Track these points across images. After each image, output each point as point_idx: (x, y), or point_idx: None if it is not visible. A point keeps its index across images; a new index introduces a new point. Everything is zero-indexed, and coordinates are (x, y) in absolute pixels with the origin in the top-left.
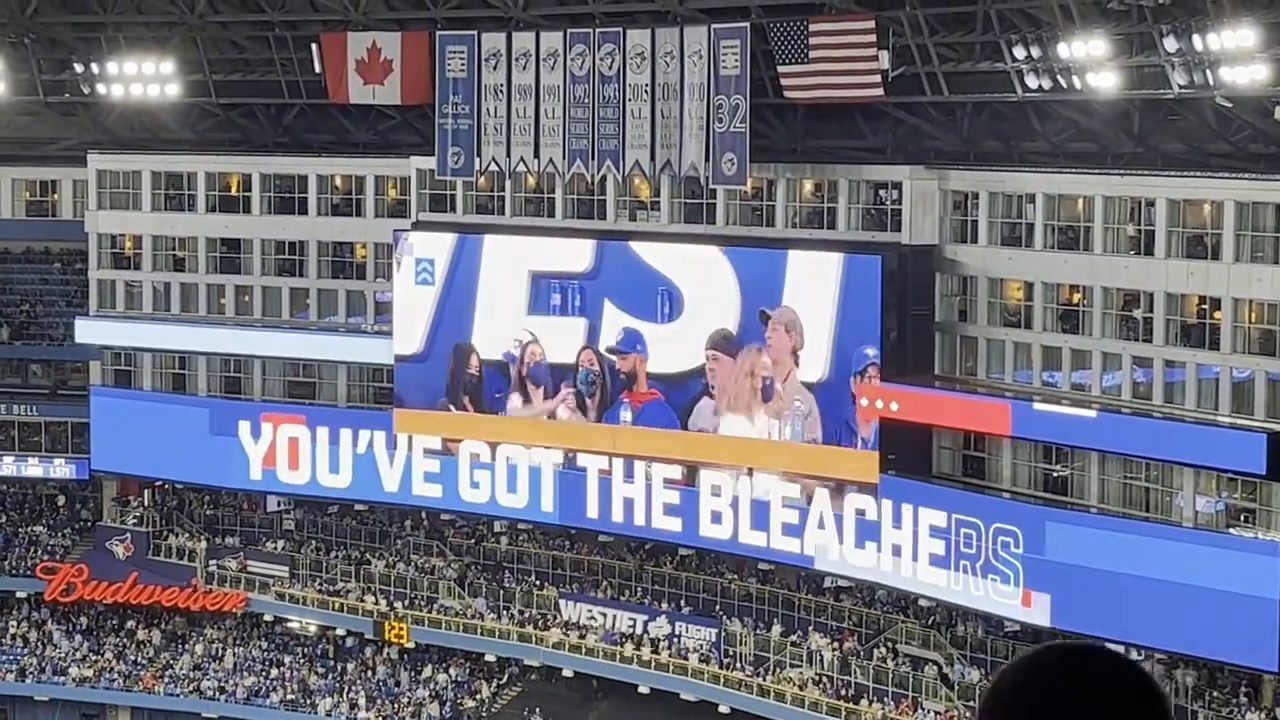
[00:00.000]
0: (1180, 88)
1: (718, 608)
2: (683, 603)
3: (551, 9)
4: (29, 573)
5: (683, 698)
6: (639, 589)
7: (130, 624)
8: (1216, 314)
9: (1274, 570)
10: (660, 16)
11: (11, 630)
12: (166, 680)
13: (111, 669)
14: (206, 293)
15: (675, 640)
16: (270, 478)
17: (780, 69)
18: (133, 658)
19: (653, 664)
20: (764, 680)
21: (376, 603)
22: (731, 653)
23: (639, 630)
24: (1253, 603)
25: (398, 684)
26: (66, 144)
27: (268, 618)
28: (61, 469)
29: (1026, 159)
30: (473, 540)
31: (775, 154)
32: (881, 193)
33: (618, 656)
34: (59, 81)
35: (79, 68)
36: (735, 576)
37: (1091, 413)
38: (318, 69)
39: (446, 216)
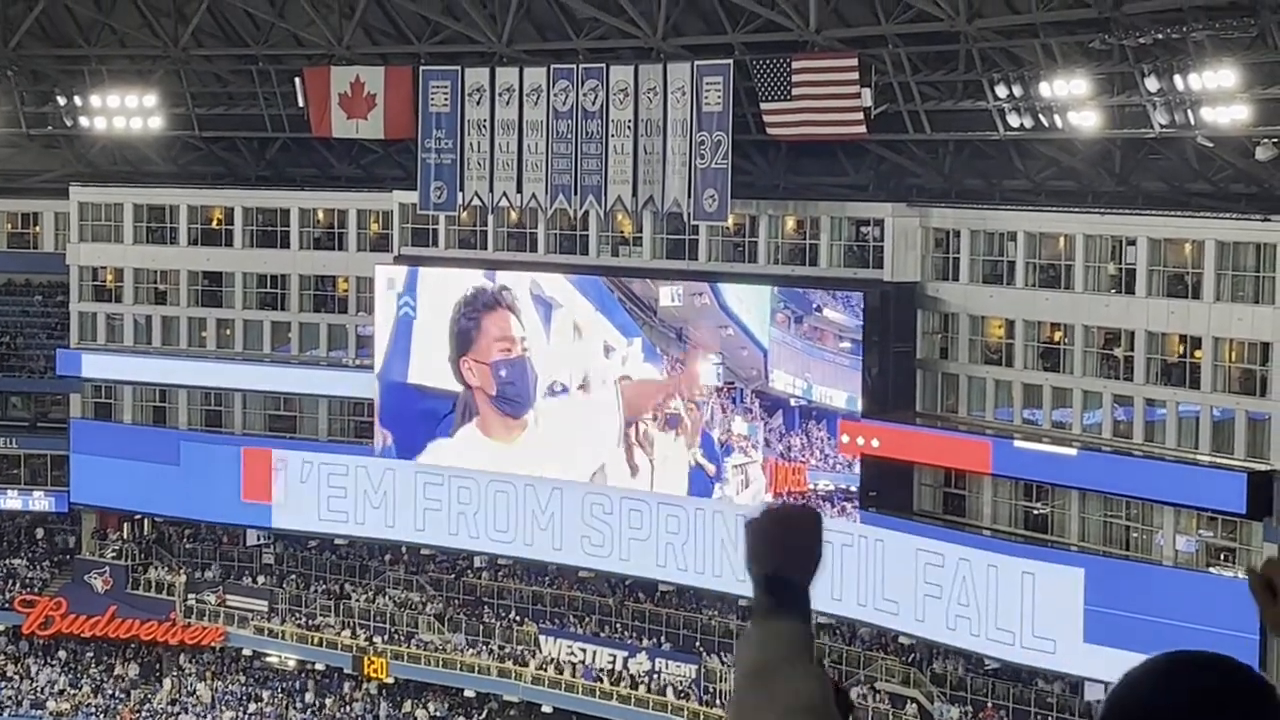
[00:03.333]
0: (1161, 127)
1: (698, 644)
2: (663, 639)
3: (535, 44)
4: (7, 605)
5: None
6: (619, 625)
7: (108, 657)
8: (1197, 353)
9: (1254, 610)
10: (644, 53)
11: None
12: (144, 714)
13: (89, 703)
14: (187, 326)
15: (655, 676)
16: (250, 511)
17: (763, 106)
18: (111, 691)
19: (632, 700)
20: None
21: (355, 637)
22: (711, 689)
23: (619, 666)
24: (1232, 641)
25: (376, 719)
26: (48, 176)
27: (246, 652)
28: (41, 501)
29: (1008, 197)
30: (452, 575)
31: (758, 190)
32: (863, 229)
33: (597, 692)
34: (42, 114)
35: (62, 100)
36: (715, 613)
37: (1072, 451)
38: (301, 103)
39: (428, 251)
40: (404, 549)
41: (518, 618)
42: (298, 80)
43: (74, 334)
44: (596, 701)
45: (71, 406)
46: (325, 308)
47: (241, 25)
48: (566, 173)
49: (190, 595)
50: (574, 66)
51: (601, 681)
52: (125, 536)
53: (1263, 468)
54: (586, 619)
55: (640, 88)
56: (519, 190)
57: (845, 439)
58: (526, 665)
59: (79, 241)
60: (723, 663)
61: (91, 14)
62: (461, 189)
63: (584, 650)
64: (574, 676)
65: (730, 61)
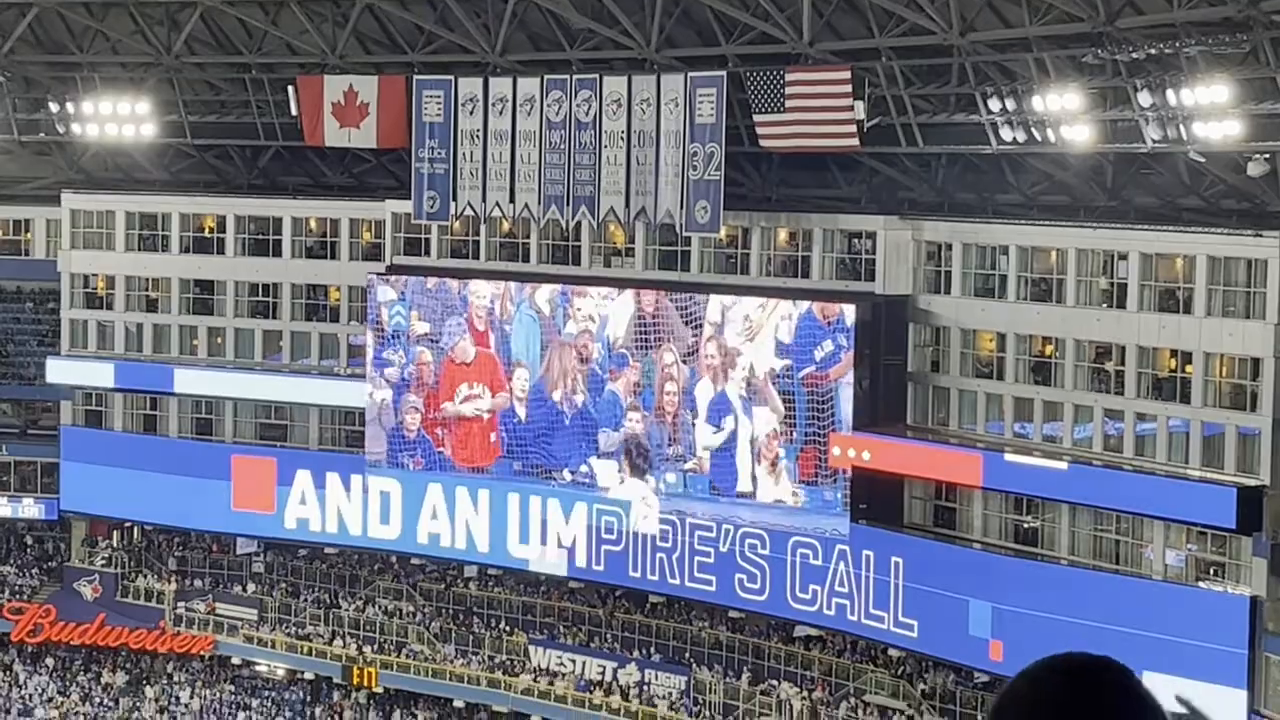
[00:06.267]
0: (1154, 142)
1: (687, 655)
2: (652, 650)
3: (529, 55)
4: None
5: None
6: (609, 635)
7: (97, 665)
8: (1188, 368)
9: (1243, 624)
10: (637, 64)
11: None
12: None
13: (78, 710)
14: (179, 334)
15: (645, 688)
16: (240, 520)
17: (756, 118)
18: (99, 699)
19: (622, 711)
20: None
21: (345, 647)
22: (701, 701)
23: (608, 677)
24: (1220, 655)
25: None
26: (41, 183)
27: (235, 661)
28: (30, 509)
29: (1000, 211)
30: (443, 585)
31: (750, 202)
32: (855, 242)
33: (587, 704)
34: (34, 121)
35: (54, 107)
36: (705, 624)
37: (1062, 464)
38: (294, 111)
39: (421, 260)
40: (393, 558)
41: (507, 628)
42: (291, 89)
43: (65, 341)
44: (586, 712)
45: (62, 414)
46: (317, 316)
47: (234, 33)
48: (559, 183)
49: (180, 603)
50: (567, 77)
51: (591, 692)
52: (115, 544)
53: (1252, 483)
54: (576, 629)
55: (634, 99)
56: (511, 200)
57: (836, 451)
58: (516, 675)
59: (71, 248)
60: (712, 674)
61: (84, 21)
62: (454, 199)
63: (574, 661)
64: (564, 687)
65: (724, 73)
